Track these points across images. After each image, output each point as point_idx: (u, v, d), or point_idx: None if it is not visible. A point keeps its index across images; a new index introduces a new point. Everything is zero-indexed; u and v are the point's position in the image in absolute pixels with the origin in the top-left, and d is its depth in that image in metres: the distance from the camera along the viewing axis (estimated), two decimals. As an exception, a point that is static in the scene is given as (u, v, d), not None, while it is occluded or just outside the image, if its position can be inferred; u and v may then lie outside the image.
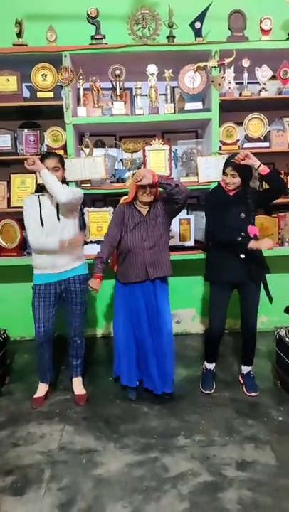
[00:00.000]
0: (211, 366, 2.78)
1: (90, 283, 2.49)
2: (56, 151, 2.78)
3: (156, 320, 2.53)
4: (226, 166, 2.47)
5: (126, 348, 2.59)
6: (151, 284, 2.52)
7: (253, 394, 2.63)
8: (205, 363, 2.79)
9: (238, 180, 2.44)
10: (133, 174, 3.09)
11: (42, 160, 2.45)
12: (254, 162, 2.37)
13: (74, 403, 2.61)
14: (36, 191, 2.59)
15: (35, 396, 2.64)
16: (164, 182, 2.39)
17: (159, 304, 2.54)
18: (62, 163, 2.53)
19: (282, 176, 2.98)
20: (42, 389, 2.68)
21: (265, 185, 3.31)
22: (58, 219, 2.48)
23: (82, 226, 3.12)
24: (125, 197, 2.59)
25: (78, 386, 2.71)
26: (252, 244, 2.37)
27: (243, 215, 2.46)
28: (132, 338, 2.58)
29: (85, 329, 2.72)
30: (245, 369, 2.73)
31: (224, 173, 2.48)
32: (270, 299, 2.55)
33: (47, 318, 2.53)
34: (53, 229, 2.47)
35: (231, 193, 2.50)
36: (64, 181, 2.57)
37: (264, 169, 2.39)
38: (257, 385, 2.69)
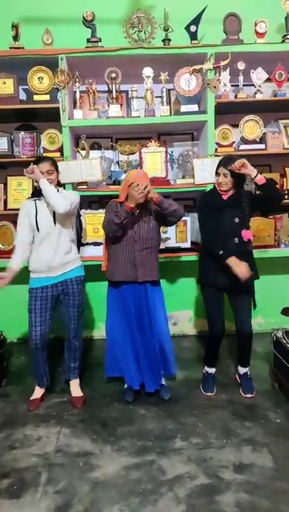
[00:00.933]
0: (211, 371, 2.77)
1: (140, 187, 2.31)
2: (51, 154, 2.78)
3: (148, 320, 2.54)
4: (218, 166, 2.46)
5: (124, 350, 2.59)
6: (141, 287, 2.52)
7: (249, 395, 2.63)
8: (205, 367, 2.78)
9: (230, 179, 2.41)
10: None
11: (35, 165, 2.43)
12: (251, 171, 2.34)
13: (71, 405, 2.60)
14: (33, 195, 2.57)
15: (31, 398, 2.63)
16: (165, 205, 2.37)
17: (150, 306, 2.54)
18: (56, 166, 2.52)
19: (277, 185, 2.97)
20: (38, 391, 2.67)
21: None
22: (55, 223, 2.47)
23: (79, 228, 3.12)
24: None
25: (75, 388, 2.70)
26: (230, 261, 2.38)
27: (237, 219, 2.44)
28: (128, 340, 2.58)
29: (81, 331, 2.71)
30: (242, 370, 2.73)
31: (217, 173, 2.47)
32: (254, 306, 2.56)
33: (44, 321, 2.52)
34: (49, 233, 2.46)
35: (225, 197, 2.49)
36: (59, 184, 2.57)
37: (261, 179, 2.35)
38: (254, 386, 2.69)
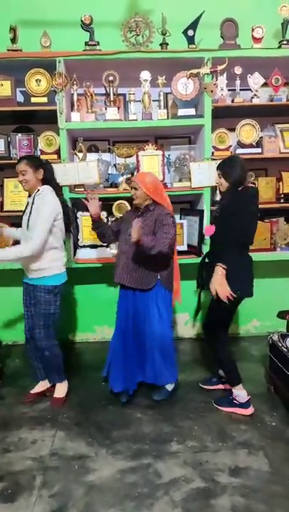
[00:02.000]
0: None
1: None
2: (48, 156, 2.76)
3: (143, 324, 2.53)
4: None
5: (116, 353, 2.59)
6: (133, 292, 2.52)
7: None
8: None
9: (223, 180, 2.40)
10: (127, 179, 3.10)
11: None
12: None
13: (53, 405, 2.61)
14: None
15: (31, 391, 2.69)
16: (143, 248, 2.30)
17: (142, 313, 2.53)
18: (34, 165, 2.42)
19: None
20: (38, 386, 2.72)
21: (260, 186, 3.32)
22: (28, 227, 2.43)
23: (75, 230, 3.12)
24: None
25: (57, 389, 2.68)
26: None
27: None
28: (121, 342, 2.58)
29: (50, 342, 2.51)
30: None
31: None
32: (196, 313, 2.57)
33: (28, 314, 2.58)
34: (22, 234, 2.50)
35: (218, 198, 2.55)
36: (43, 182, 2.48)
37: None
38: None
